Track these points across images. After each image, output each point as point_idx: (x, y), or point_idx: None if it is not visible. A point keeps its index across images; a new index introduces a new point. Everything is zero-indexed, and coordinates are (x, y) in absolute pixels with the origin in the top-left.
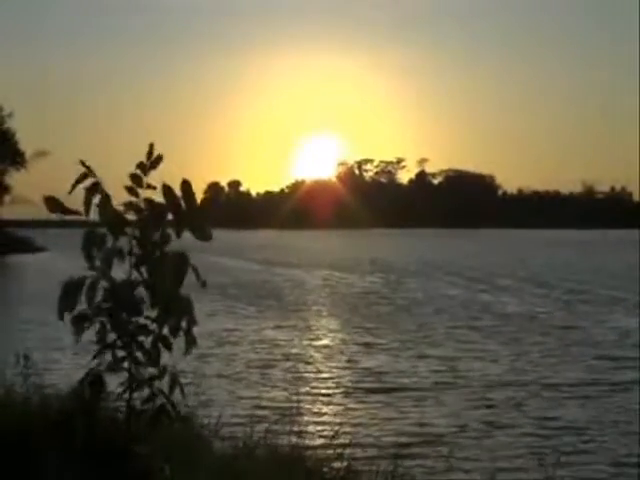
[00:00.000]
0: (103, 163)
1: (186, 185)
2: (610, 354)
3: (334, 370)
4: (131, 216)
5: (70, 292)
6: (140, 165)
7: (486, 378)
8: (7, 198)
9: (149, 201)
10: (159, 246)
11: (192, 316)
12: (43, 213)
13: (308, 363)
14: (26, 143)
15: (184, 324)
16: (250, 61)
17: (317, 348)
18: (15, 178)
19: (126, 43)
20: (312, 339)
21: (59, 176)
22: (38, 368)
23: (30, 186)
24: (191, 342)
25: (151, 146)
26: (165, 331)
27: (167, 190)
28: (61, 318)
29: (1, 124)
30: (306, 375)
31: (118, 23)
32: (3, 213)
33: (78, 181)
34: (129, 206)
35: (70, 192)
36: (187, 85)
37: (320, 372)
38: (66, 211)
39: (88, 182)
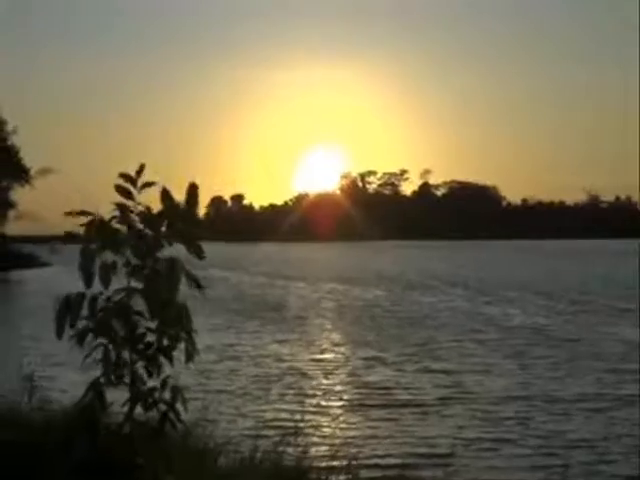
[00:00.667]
0: (108, 176)
1: (192, 188)
2: (616, 367)
3: (337, 385)
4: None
5: (69, 308)
6: (127, 177)
7: (491, 393)
8: (12, 214)
9: (147, 208)
10: (152, 253)
11: (190, 323)
12: (47, 229)
13: (311, 378)
14: (31, 160)
15: (183, 333)
16: (252, 74)
17: (320, 362)
18: (20, 194)
19: (132, 56)
20: (315, 353)
21: (63, 193)
22: (40, 384)
23: (35, 202)
24: (192, 351)
25: (141, 166)
26: (165, 342)
27: (165, 194)
28: (59, 336)
29: (5, 140)
30: (310, 390)
31: (124, 35)
32: (8, 229)
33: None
34: (122, 220)
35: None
36: (191, 98)
37: (323, 387)
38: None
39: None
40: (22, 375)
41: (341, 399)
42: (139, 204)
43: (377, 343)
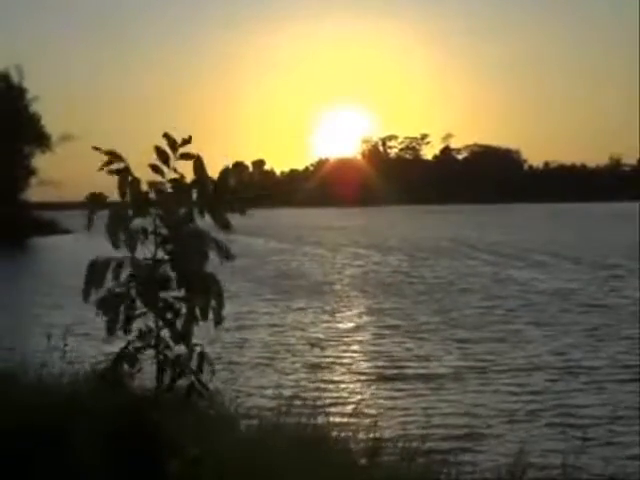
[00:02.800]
0: (126, 146)
1: (198, 161)
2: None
3: (357, 355)
4: (155, 195)
5: (96, 273)
6: (169, 143)
7: (516, 362)
8: (33, 180)
9: (175, 180)
10: (183, 224)
11: (220, 293)
12: (69, 195)
13: (332, 347)
14: (52, 126)
15: (213, 303)
16: (271, 34)
17: (341, 332)
18: (41, 161)
19: (144, 23)
20: (336, 322)
21: (85, 160)
22: (68, 349)
23: (56, 169)
24: (219, 320)
25: (167, 136)
26: (195, 312)
27: (198, 163)
28: (86, 299)
29: (26, 108)
30: (329, 359)
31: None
32: (30, 196)
33: (106, 164)
34: (153, 185)
35: (100, 169)
36: (206, 64)
37: (343, 357)
38: (103, 200)
39: (116, 166)
40: (49, 343)
41: (360, 369)
42: (174, 170)
43: (400, 311)
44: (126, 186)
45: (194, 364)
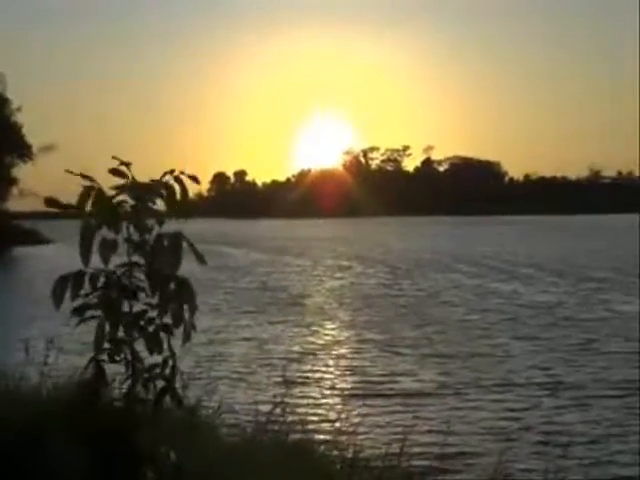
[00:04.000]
0: (107, 152)
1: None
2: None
3: (335, 369)
4: (124, 199)
5: (68, 284)
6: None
7: (499, 377)
8: (15, 191)
9: (137, 183)
10: (152, 229)
11: (193, 300)
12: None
13: (310, 361)
14: (33, 136)
15: (186, 313)
16: (253, 44)
17: (319, 346)
18: (23, 171)
19: (125, 31)
20: (315, 336)
21: (65, 168)
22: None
23: (37, 179)
24: (190, 330)
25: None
26: (167, 319)
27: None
28: (57, 308)
29: (9, 118)
30: (307, 374)
31: (118, 13)
32: (10, 206)
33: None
34: (121, 188)
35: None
36: (189, 73)
37: (321, 371)
38: (63, 207)
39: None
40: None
41: (339, 386)
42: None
43: (381, 325)
44: (85, 203)
45: (166, 371)
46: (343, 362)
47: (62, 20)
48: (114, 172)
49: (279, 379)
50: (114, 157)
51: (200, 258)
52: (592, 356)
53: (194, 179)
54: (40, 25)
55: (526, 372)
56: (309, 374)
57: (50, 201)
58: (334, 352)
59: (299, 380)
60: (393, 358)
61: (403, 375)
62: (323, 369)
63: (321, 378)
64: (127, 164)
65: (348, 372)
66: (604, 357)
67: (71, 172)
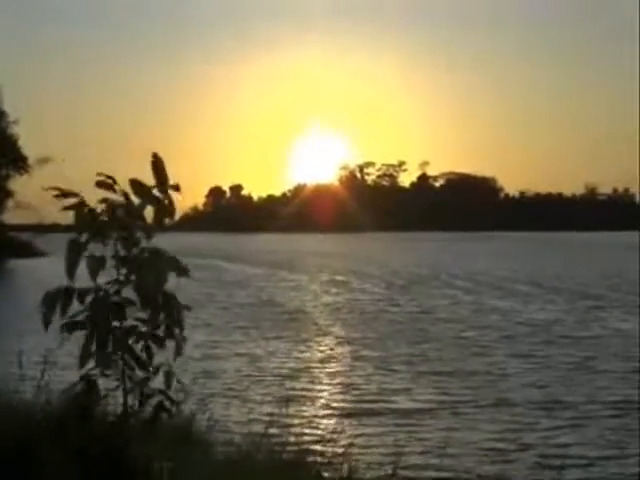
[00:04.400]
0: (105, 167)
1: (157, 161)
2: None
3: (329, 386)
4: (110, 216)
5: (57, 301)
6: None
7: (496, 396)
8: (10, 203)
9: (126, 196)
10: (140, 243)
11: (180, 313)
12: (46, 218)
13: (304, 378)
14: (29, 149)
15: (176, 327)
16: (249, 60)
17: (314, 362)
18: (18, 183)
19: (125, 48)
20: (310, 352)
21: (63, 183)
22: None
23: (33, 192)
24: (181, 344)
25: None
26: (158, 332)
27: (135, 184)
28: (45, 327)
29: (5, 130)
30: (301, 391)
31: (117, 28)
32: (6, 218)
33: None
34: (108, 205)
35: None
36: (186, 87)
37: (315, 388)
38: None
39: (69, 202)
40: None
41: (334, 403)
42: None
43: (376, 341)
44: (80, 220)
45: (161, 382)
46: (338, 379)
47: (63, 30)
48: (100, 185)
49: (273, 396)
50: (99, 173)
51: (183, 271)
52: (589, 375)
53: (175, 188)
54: (40, 35)
55: (523, 391)
56: (304, 391)
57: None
58: (329, 369)
59: (293, 397)
60: (388, 375)
61: (398, 393)
62: (317, 386)
63: (316, 395)
64: (112, 178)
65: (343, 389)
66: (601, 376)
67: (55, 188)
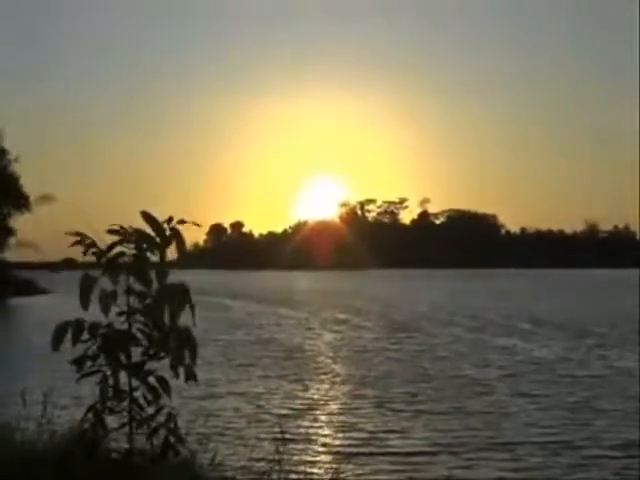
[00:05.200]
0: (109, 204)
1: (147, 217)
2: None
3: (327, 427)
4: (124, 249)
5: (64, 334)
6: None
7: (495, 437)
8: (12, 241)
9: (138, 231)
10: (156, 280)
11: (194, 346)
12: (47, 256)
13: (302, 418)
14: (31, 187)
15: (187, 357)
16: (250, 104)
17: (312, 401)
18: (20, 221)
19: (131, 85)
20: (308, 391)
21: (64, 221)
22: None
23: (35, 230)
24: (191, 375)
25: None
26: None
27: (147, 216)
28: (55, 349)
29: (5, 168)
30: (299, 431)
31: (124, 64)
32: (8, 256)
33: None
34: (122, 234)
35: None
36: (191, 127)
37: (313, 428)
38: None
39: (84, 243)
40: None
41: (332, 444)
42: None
43: (376, 380)
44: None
45: (164, 421)
46: (337, 418)
47: (67, 72)
48: (112, 232)
49: (272, 435)
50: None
51: (191, 309)
52: (591, 414)
53: (196, 225)
54: (42, 76)
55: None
56: (302, 430)
57: (67, 261)
58: (328, 408)
59: (292, 437)
60: (387, 415)
61: (398, 433)
62: (316, 425)
63: (314, 435)
64: (123, 228)
65: (342, 429)
66: (602, 415)
67: (73, 234)
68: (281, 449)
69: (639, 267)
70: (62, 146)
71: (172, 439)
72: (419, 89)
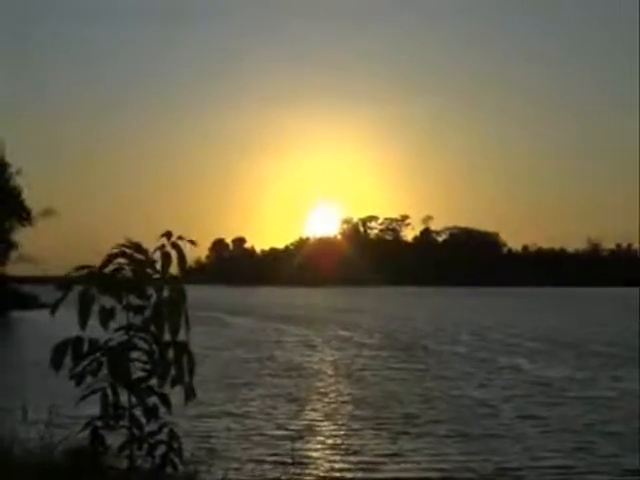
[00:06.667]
0: (111, 221)
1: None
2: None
3: (326, 449)
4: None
5: (65, 351)
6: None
7: (501, 463)
8: (13, 255)
9: (137, 245)
10: (152, 296)
11: (192, 360)
12: (48, 270)
13: (301, 439)
14: (33, 201)
15: (186, 374)
16: (259, 119)
17: (311, 422)
18: (22, 235)
19: (137, 100)
20: (308, 411)
21: (65, 234)
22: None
23: (37, 243)
24: (190, 393)
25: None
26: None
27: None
28: (57, 368)
29: (8, 182)
30: (297, 453)
31: (131, 77)
32: (9, 270)
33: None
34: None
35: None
36: (192, 144)
37: (312, 450)
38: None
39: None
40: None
41: (331, 468)
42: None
43: (379, 400)
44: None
45: (165, 437)
46: (335, 441)
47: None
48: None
49: (273, 456)
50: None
51: (187, 326)
52: (596, 437)
53: (192, 242)
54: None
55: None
56: (300, 452)
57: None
58: (327, 430)
59: (289, 460)
60: (390, 438)
61: (399, 457)
62: (315, 447)
63: (312, 458)
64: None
65: (339, 452)
66: (608, 439)
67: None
68: (280, 471)
69: None
70: (66, 160)
71: (172, 456)
72: (420, 106)
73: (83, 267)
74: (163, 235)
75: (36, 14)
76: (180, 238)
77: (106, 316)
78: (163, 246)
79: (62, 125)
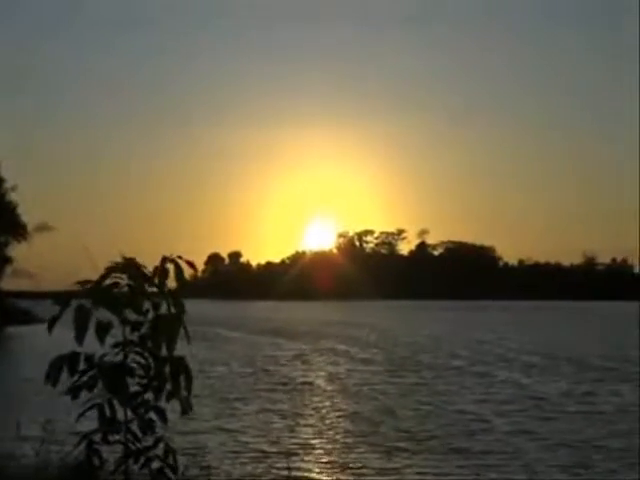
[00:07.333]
0: (106, 236)
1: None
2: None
3: (321, 466)
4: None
5: (62, 366)
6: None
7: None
8: (8, 270)
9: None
10: (148, 311)
11: (189, 376)
12: (43, 285)
13: (296, 455)
14: (28, 216)
15: (183, 387)
16: (252, 136)
17: (306, 438)
18: (17, 250)
19: (135, 115)
20: (302, 427)
21: (60, 250)
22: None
23: (32, 259)
24: (187, 406)
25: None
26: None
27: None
28: (53, 384)
29: (3, 197)
30: (292, 469)
31: (130, 94)
32: (4, 285)
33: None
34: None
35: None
36: (188, 159)
37: (306, 467)
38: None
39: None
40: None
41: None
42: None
43: (374, 416)
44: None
45: (160, 452)
46: (328, 458)
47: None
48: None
49: (268, 473)
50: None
51: (187, 338)
52: (591, 452)
53: (191, 265)
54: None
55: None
56: (295, 472)
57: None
58: (322, 447)
59: (285, 474)
60: (384, 454)
61: (394, 473)
62: (310, 463)
63: (308, 473)
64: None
65: (333, 468)
66: (604, 455)
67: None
68: None
69: (637, 300)
70: (61, 175)
71: (167, 471)
72: (418, 121)
73: (84, 282)
74: (162, 261)
75: (28, 32)
76: (179, 258)
77: (103, 330)
78: (162, 262)
79: (57, 140)
